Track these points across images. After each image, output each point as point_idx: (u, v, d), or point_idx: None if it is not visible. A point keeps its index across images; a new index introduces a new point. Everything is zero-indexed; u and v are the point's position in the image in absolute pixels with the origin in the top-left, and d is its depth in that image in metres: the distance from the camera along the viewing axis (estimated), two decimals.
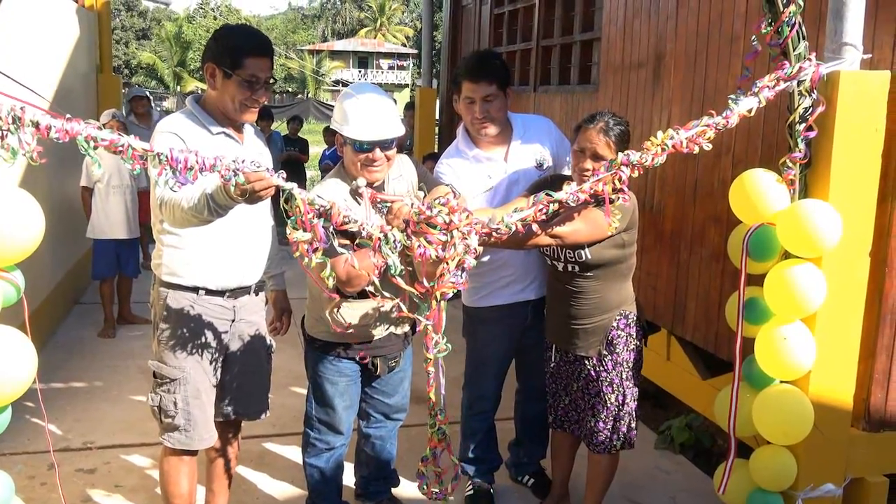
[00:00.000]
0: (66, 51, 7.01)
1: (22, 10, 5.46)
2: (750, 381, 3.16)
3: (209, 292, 2.92)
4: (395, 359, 3.25)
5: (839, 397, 3.15)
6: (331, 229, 2.44)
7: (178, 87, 44.08)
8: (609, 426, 3.26)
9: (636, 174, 2.78)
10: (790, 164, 3.00)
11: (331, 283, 2.50)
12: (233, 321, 3.01)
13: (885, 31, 3.16)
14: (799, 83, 2.91)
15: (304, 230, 2.37)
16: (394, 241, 2.48)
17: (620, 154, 2.79)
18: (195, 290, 2.91)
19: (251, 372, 3.13)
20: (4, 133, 2.09)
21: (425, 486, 2.83)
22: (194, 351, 2.93)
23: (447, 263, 2.46)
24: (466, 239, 2.49)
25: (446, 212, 2.48)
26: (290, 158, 10.62)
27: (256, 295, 3.11)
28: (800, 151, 2.98)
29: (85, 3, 8.20)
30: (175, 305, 2.91)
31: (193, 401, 2.94)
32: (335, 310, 2.94)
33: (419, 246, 2.46)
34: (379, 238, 2.47)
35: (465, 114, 3.45)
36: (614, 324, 3.23)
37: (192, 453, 3.03)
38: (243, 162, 2.29)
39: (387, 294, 2.58)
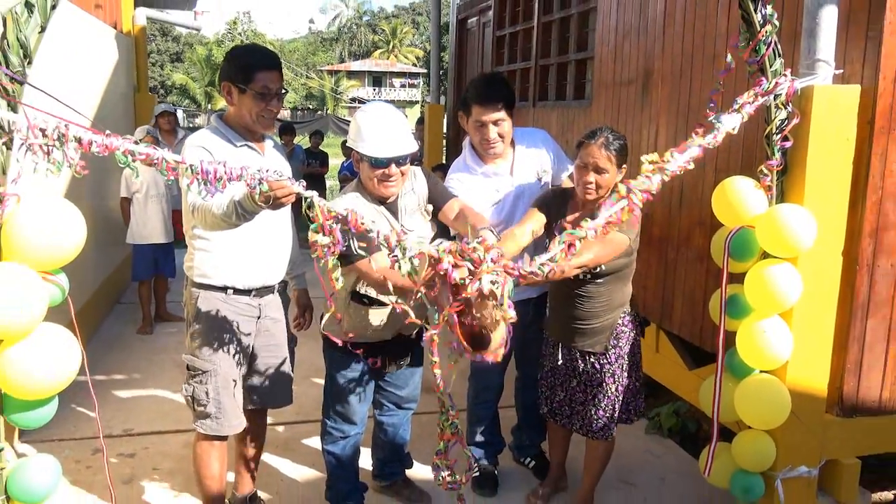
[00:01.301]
0: (106, 72, 7.04)
1: (67, 36, 5.49)
2: (732, 371, 3.15)
3: (237, 291, 2.93)
4: (404, 359, 3.24)
5: (814, 385, 3.14)
6: (350, 234, 2.41)
7: (209, 105, 44.17)
8: (608, 414, 3.26)
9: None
10: (767, 172, 3.00)
11: (339, 284, 2.47)
12: (258, 318, 3.02)
13: (855, 48, 3.15)
14: (775, 97, 2.90)
15: (324, 234, 2.36)
16: (407, 248, 2.41)
17: (633, 182, 2.66)
18: (224, 289, 2.92)
19: (276, 364, 3.13)
20: (50, 148, 2.10)
21: (441, 478, 2.81)
22: (224, 345, 2.93)
23: (464, 291, 2.34)
24: (492, 277, 2.34)
25: (482, 249, 2.38)
26: (311, 173, 10.67)
27: (280, 294, 3.11)
28: (776, 160, 2.98)
29: (123, 29, 8.23)
30: (206, 304, 2.91)
31: (223, 391, 2.94)
32: (346, 317, 2.91)
33: (447, 263, 2.34)
34: (393, 242, 2.41)
35: (475, 134, 3.41)
36: (619, 321, 3.23)
37: (223, 438, 3.04)
38: (267, 171, 2.29)
39: (401, 300, 2.53)
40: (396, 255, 2.38)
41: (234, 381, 2.98)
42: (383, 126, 2.86)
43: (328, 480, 3.42)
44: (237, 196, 2.42)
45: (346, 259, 2.44)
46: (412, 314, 2.54)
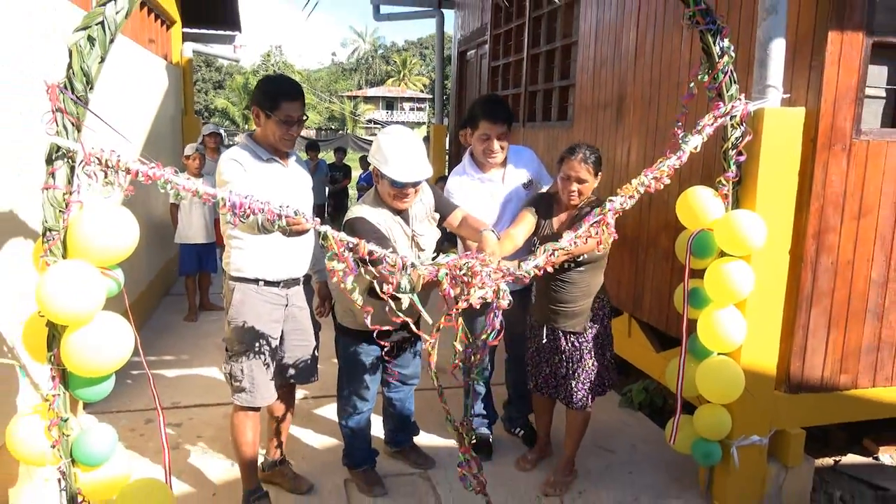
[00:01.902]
0: (158, 97, 7.03)
1: (125, 66, 5.48)
2: (694, 354, 3.14)
3: (267, 283, 2.93)
4: (408, 343, 3.25)
5: (765, 366, 3.13)
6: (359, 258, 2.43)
7: (246, 126, 44.11)
8: (586, 387, 3.25)
9: (617, 216, 2.79)
10: (724, 182, 2.99)
11: (358, 301, 2.49)
12: (286, 306, 3.01)
13: (800, 76, 3.13)
14: (731, 118, 2.89)
15: (339, 261, 2.39)
16: (407, 270, 2.45)
17: (607, 203, 2.76)
18: (256, 281, 2.92)
19: (303, 346, 3.12)
20: (104, 173, 2.17)
21: (469, 486, 2.80)
22: (256, 329, 2.93)
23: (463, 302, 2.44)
24: (489, 285, 2.44)
25: (479, 264, 2.46)
26: (336, 185, 10.88)
27: (305, 285, 3.11)
28: (732, 172, 2.97)
29: (173, 61, 8.22)
30: (241, 294, 2.92)
31: (256, 368, 2.95)
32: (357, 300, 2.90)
33: (447, 285, 2.44)
34: (394, 265, 2.44)
35: (479, 145, 3.41)
36: (596, 304, 3.23)
37: (256, 409, 3.03)
38: (288, 207, 2.34)
39: (401, 314, 2.50)
40: (395, 274, 2.42)
41: (266, 360, 2.97)
42: (406, 153, 2.82)
43: (345, 448, 3.40)
44: (261, 218, 2.40)
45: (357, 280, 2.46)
46: (412, 325, 2.60)
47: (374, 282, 2.44)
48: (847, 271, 3.26)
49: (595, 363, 3.26)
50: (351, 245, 2.39)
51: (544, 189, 3.61)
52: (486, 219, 3.36)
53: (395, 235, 2.91)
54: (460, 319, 2.49)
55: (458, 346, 2.59)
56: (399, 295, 2.45)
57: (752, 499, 3.25)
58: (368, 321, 2.48)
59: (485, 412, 3.77)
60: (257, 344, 2.94)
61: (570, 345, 3.25)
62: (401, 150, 2.81)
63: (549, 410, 3.59)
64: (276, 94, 2.81)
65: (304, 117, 2.92)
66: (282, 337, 3.05)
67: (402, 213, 2.97)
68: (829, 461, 4.04)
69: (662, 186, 2.84)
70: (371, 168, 2.93)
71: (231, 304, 2.93)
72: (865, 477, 3.89)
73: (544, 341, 3.32)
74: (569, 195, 3.11)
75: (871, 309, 3.34)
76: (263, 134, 2.88)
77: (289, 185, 2.94)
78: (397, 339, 3.16)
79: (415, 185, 2.86)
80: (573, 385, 3.26)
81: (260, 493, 3.09)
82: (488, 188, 3.48)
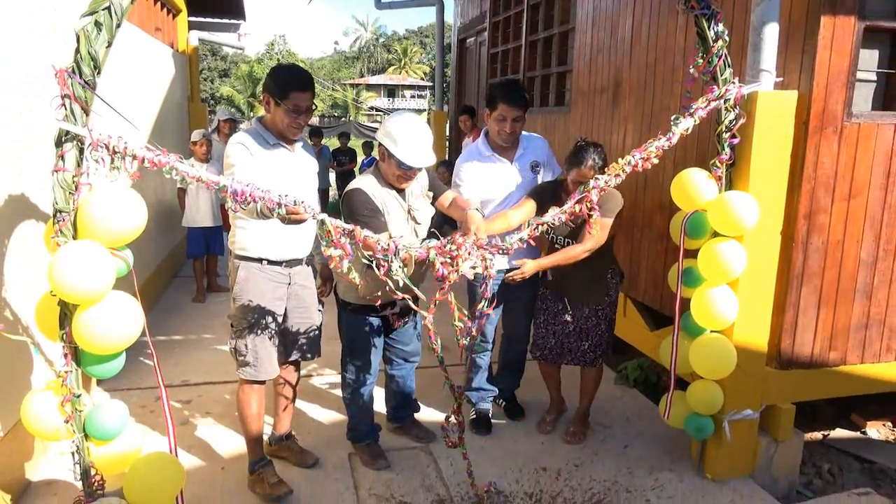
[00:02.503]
0: (165, 85, 6.99)
1: (133, 54, 5.45)
2: (687, 331, 3.14)
3: (270, 262, 2.94)
4: (409, 314, 3.25)
5: (756, 343, 3.13)
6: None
7: (251, 114, 43.90)
8: (601, 348, 3.48)
9: (602, 193, 2.86)
10: (718, 164, 2.97)
11: (355, 276, 2.57)
12: (289, 284, 3.02)
13: (793, 60, 3.10)
14: (725, 101, 2.87)
15: (335, 248, 2.45)
16: (396, 252, 2.51)
17: (591, 181, 2.84)
18: (259, 260, 2.93)
19: (306, 323, 3.13)
20: (111, 159, 2.18)
21: (445, 438, 2.91)
22: (260, 306, 2.94)
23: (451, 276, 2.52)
24: (470, 263, 2.54)
25: (461, 237, 2.57)
26: (343, 168, 11.19)
27: (307, 265, 3.12)
28: (726, 154, 2.95)
29: (179, 49, 8.17)
30: (245, 272, 2.93)
31: (260, 343, 2.96)
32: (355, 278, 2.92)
33: (439, 265, 2.52)
34: (387, 248, 2.50)
35: (495, 126, 3.46)
36: (609, 276, 3.42)
37: (261, 384, 3.05)
38: (287, 196, 2.38)
39: (400, 293, 2.57)
40: (388, 258, 2.49)
41: (270, 335, 2.99)
42: (416, 139, 2.88)
43: (349, 423, 3.42)
44: (259, 205, 2.44)
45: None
46: (399, 293, 2.60)
47: (372, 263, 2.50)
48: (837, 251, 3.25)
49: (605, 328, 3.46)
50: (347, 231, 2.44)
51: (556, 176, 3.63)
52: (492, 197, 3.49)
53: (390, 208, 2.97)
54: (451, 296, 2.56)
55: (459, 325, 2.64)
56: (393, 277, 2.50)
57: (743, 471, 3.27)
58: (368, 288, 2.50)
59: (484, 385, 3.80)
60: (261, 320, 2.95)
61: (590, 314, 3.42)
62: (411, 135, 2.87)
63: (556, 374, 3.73)
64: (287, 83, 2.80)
65: (314, 107, 2.92)
66: (285, 314, 3.05)
67: (399, 190, 3.02)
68: (817, 435, 4.06)
69: (650, 166, 2.83)
70: (378, 147, 2.98)
71: (236, 281, 2.95)
72: (853, 451, 3.91)
73: (567, 317, 3.45)
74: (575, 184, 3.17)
75: (861, 288, 3.33)
76: (272, 120, 2.88)
77: (294, 170, 2.94)
78: (398, 311, 3.19)
79: (419, 169, 2.94)
80: (587, 346, 3.46)
81: (265, 461, 3.12)
82: (497, 168, 3.52)
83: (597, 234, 3.13)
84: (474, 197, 3.43)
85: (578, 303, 3.42)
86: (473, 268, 2.51)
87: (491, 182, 3.49)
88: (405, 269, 2.52)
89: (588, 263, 3.27)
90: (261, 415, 3.09)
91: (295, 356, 3.16)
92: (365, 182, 2.99)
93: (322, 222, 2.42)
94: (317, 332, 3.20)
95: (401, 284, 2.52)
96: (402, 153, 2.86)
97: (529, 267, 3.16)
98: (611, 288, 3.43)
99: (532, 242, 2.80)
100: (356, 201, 2.91)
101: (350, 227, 2.46)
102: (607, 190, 2.93)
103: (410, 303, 2.67)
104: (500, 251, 2.70)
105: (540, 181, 3.56)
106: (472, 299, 3.65)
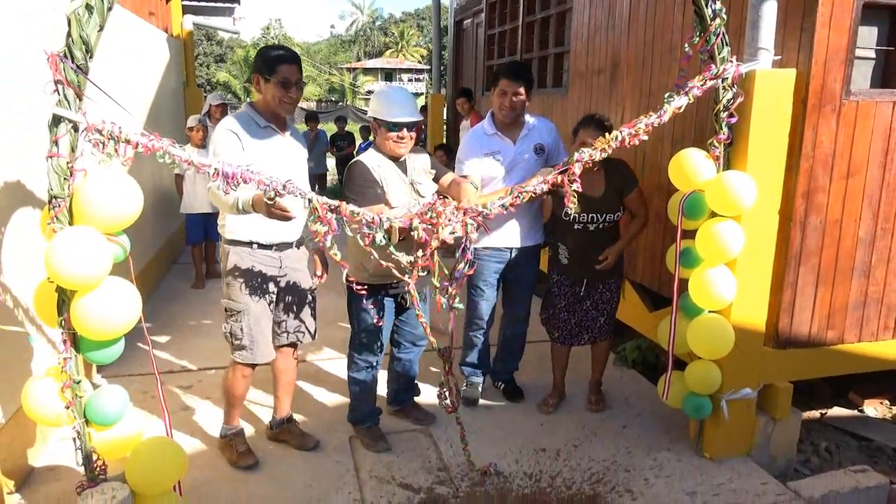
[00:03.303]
0: (160, 70, 6.94)
1: (126, 38, 5.40)
2: (685, 312, 3.15)
3: (261, 246, 2.96)
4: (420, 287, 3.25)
5: (754, 322, 3.14)
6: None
7: (248, 98, 43.65)
8: (612, 320, 3.67)
9: (585, 168, 2.85)
10: (716, 144, 2.96)
11: (338, 256, 2.64)
12: (280, 267, 3.03)
13: (791, 38, 3.08)
14: (723, 80, 2.85)
15: (322, 223, 2.52)
16: (382, 225, 2.60)
17: (576, 154, 2.87)
18: (250, 244, 2.94)
19: (298, 306, 3.14)
20: (105, 143, 2.17)
21: (444, 406, 3.05)
22: (252, 290, 2.96)
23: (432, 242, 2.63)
24: (454, 221, 2.65)
25: (440, 205, 2.68)
26: (342, 152, 11.23)
27: (298, 248, 3.12)
28: (724, 133, 2.93)
29: (173, 34, 8.10)
30: (236, 257, 2.94)
31: (255, 327, 2.98)
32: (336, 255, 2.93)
33: (421, 230, 2.63)
34: (371, 221, 2.60)
35: (497, 100, 3.52)
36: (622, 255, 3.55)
37: (252, 367, 3.09)
38: (276, 182, 2.43)
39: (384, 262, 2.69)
40: (372, 230, 2.58)
41: (263, 318, 3.01)
42: (399, 100, 3.06)
43: (351, 404, 3.44)
44: (241, 200, 2.61)
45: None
46: (410, 281, 2.73)
47: (358, 236, 2.61)
48: (835, 230, 3.25)
49: (617, 300, 3.64)
50: (332, 207, 2.52)
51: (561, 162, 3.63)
52: (493, 175, 3.53)
53: (389, 180, 3.05)
54: (436, 258, 2.69)
55: (436, 283, 2.75)
56: (378, 247, 2.62)
57: (741, 450, 3.29)
58: (373, 263, 2.67)
59: (478, 361, 3.84)
60: (254, 304, 2.97)
61: (606, 290, 3.58)
62: (393, 98, 3.07)
63: (566, 358, 3.81)
64: (273, 58, 2.86)
65: (303, 83, 2.97)
66: (278, 298, 3.07)
67: (399, 164, 3.10)
68: (815, 414, 4.08)
69: (638, 142, 2.83)
70: (371, 125, 3.11)
71: (227, 266, 2.96)
72: (850, 428, 3.93)
73: (586, 300, 3.59)
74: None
75: (858, 267, 3.33)
76: (264, 100, 2.91)
77: (285, 155, 2.96)
78: (403, 290, 3.21)
79: (409, 126, 3.03)
80: (601, 322, 3.64)
81: (236, 430, 3.24)
82: (498, 144, 3.56)
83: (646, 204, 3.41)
84: (474, 174, 3.47)
85: (595, 281, 3.54)
86: (453, 233, 2.62)
87: (491, 159, 3.52)
88: (390, 238, 2.61)
89: (609, 241, 3.41)
90: (244, 396, 3.18)
91: (290, 339, 3.18)
92: (366, 155, 3.11)
93: (309, 199, 2.49)
94: (311, 314, 3.21)
95: (387, 253, 2.62)
96: (387, 114, 3.01)
97: (613, 252, 3.39)
98: (621, 262, 3.59)
99: (512, 209, 2.85)
100: (354, 173, 3.03)
101: (335, 203, 2.54)
102: (587, 165, 2.89)
103: (395, 271, 2.71)
104: (480, 216, 2.75)
105: (542, 163, 3.55)
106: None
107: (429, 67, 48.95)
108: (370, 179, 3.00)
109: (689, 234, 3.07)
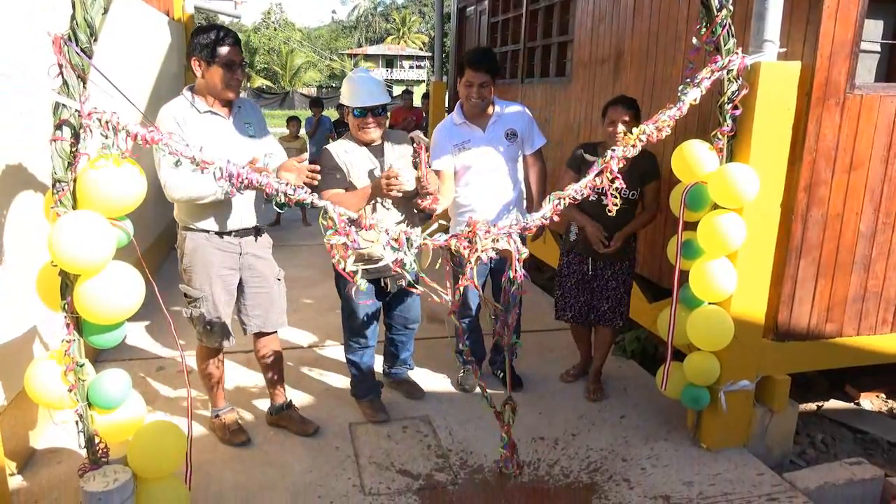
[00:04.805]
0: (160, 53, 6.90)
1: (125, 22, 5.37)
2: (685, 303, 3.16)
3: (217, 233, 2.94)
4: (398, 279, 3.23)
5: (754, 315, 3.15)
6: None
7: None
8: (623, 304, 3.64)
9: (622, 164, 2.76)
10: (720, 136, 2.95)
11: (348, 264, 2.52)
12: (240, 254, 3.01)
13: (797, 30, 3.07)
14: (728, 72, 2.84)
15: (340, 235, 2.41)
16: (413, 241, 2.54)
17: (609, 152, 2.75)
18: (206, 231, 2.92)
19: (264, 293, 3.12)
20: (105, 135, 2.15)
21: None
22: (210, 276, 2.95)
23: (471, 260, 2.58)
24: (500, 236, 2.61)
25: (481, 225, 2.58)
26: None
27: (259, 235, 3.09)
28: (727, 125, 2.93)
29: (174, 17, 8.05)
30: (192, 243, 2.93)
31: (214, 312, 2.99)
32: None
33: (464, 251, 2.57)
34: (403, 240, 2.53)
35: (463, 91, 3.50)
36: (632, 238, 3.57)
37: (217, 350, 3.12)
38: (286, 185, 2.41)
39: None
40: (402, 255, 2.51)
41: (222, 304, 3.00)
42: (363, 86, 3.11)
43: (351, 381, 3.55)
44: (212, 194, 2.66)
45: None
46: (408, 276, 2.66)
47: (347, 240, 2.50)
48: (836, 223, 3.26)
49: (624, 291, 3.62)
50: (351, 218, 2.44)
51: (538, 145, 3.62)
52: (468, 164, 3.54)
53: (357, 165, 3.11)
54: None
55: (446, 297, 2.73)
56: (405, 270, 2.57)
57: (738, 441, 3.32)
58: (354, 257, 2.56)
59: (471, 347, 3.81)
60: (213, 289, 2.96)
61: (612, 279, 3.58)
62: (358, 85, 3.12)
63: (586, 334, 3.92)
64: (215, 40, 2.80)
65: (246, 63, 2.93)
66: (240, 285, 3.07)
67: (373, 149, 3.16)
68: (812, 406, 4.11)
69: (664, 136, 2.80)
70: (344, 111, 3.21)
71: (184, 252, 2.94)
72: (846, 421, 3.96)
73: (590, 273, 3.61)
74: (614, 135, 3.23)
75: (859, 260, 3.35)
76: (207, 84, 2.84)
77: (227, 138, 2.87)
78: (387, 275, 3.20)
79: (374, 112, 3.08)
80: (606, 307, 3.63)
81: (225, 409, 3.29)
82: (467, 133, 3.54)
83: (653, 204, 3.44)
84: (445, 167, 3.49)
85: (603, 264, 3.57)
86: (494, 248, 2.58)
87: (460, 149, 3.52)
88: (418, 260, 2.59)
89: (622, 223, 3.41)
90: (220, 375, 3.22)
91: (256, 328, 3.17)
92: (337, 142, 3.22)
93: (324, 210, 2.41)
94: (279, 301, 3.19)
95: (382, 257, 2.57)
96: (350, 99, 3.11)
97: (620, 237, 3.41)
98: (632, 249, 3.60)
99: (556, 218, 2.76)
100: (318, 159, 3.07)
101: (355, 214, 2.45)
102: (622, 162, 2.80)
103: (387, 260, 2.63)
104: (523, 230, 2.72)
105: (516, 149, 3.58)
106: (455, 279, 3.67)
107: (430, 54, 48.72)
108: (332, 166, 3.08)
109: (691, 226, 3.07)
